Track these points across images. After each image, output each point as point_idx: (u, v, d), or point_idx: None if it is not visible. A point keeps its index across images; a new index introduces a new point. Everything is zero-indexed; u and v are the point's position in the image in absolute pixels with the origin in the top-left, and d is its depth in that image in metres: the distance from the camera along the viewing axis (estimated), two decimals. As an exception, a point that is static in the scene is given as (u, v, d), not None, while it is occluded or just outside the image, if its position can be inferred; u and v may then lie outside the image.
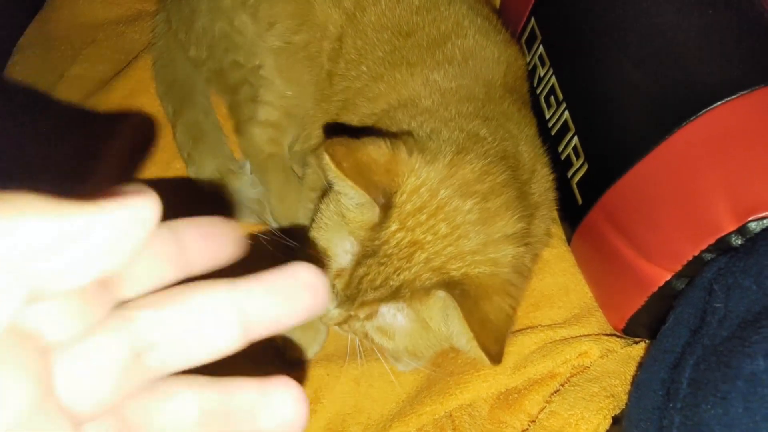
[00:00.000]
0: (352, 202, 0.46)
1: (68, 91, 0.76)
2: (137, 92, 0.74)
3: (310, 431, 0.55)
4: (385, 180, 0.44)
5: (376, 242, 0.44)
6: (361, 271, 0.44)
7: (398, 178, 0.44)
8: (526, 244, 0.46)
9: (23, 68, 0.80)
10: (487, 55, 0.58)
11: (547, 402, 0.50)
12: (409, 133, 0.50)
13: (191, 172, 0.67)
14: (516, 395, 0.52)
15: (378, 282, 0.44)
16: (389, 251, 0.43)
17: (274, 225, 0.65)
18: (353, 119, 0.58)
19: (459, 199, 0.44)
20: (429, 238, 0.43)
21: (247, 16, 0.64)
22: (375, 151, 0.44)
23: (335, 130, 0.58)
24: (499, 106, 0.55)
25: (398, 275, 0.43)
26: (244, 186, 0.67)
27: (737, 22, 0.46)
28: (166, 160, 0.70)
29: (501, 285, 0.43)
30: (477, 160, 0.47)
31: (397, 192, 0.44)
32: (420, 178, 0.44)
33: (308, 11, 0.62)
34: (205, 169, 0.67)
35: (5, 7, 0.82)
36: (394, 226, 0.43)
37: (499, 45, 0.60)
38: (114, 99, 0.74)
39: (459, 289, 0.41)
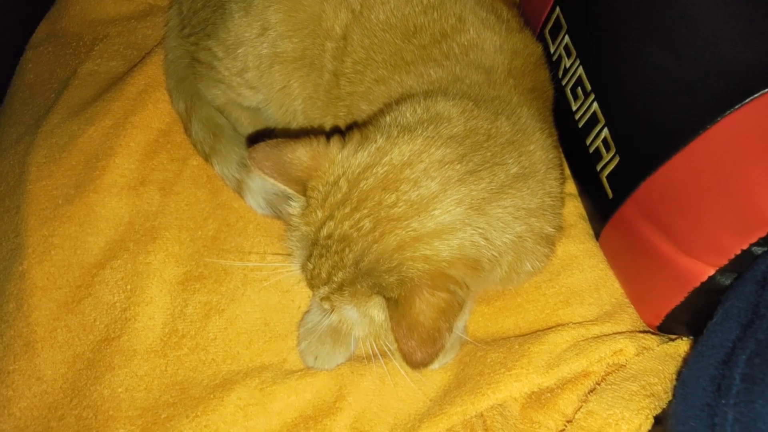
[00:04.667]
0: (293, 201, 0.48)
1: (81, 88, 0.75)
2: (151, 88, 0.73)
3: (335, 429, 0.53)
4: (307, 174, 0.46)
5: (312, 232, 0.45)
6: (310, 264, 0.45)
7: (318, 171, 0.45)
8: (479, 231, 0.42)
9: (36, 65, 0.79)
10: (487, 46, 0.57)
11: (583, 401, 0.48)
12: (369, 125, 0.49)
13: (216, 166, 0.66)
14: (549, 394, 0.51)
15: (324, 276, 0.44)
16: (324, 242, 0.44)
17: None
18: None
19: (382, 191, 0.43)
20: (355, 234, 0.42)
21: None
22: (298, 149, 0.46)
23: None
24: (498, 90, 0.54)
25: (337, 274, 0.43)
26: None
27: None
28: (182, 157, 0.69)
29: (434, 281, 0.40)
30: (418, 140, 0.44)
31: (315, 182, 0.45)
32: (341, 168, 0.45)
33: (309, 14, 0.61)
34: (231, 162, 0.66)
35: (17, 4, 0.81)
36: (319, 213, 0.44)
37: (503, 34, 0.59)
38: (127, 95, 0.72)
39: (388, 294, 0.41)
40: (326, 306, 0.46)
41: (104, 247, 0.63)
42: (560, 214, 0.52)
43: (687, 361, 0.42)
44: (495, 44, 0.57)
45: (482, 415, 0.52)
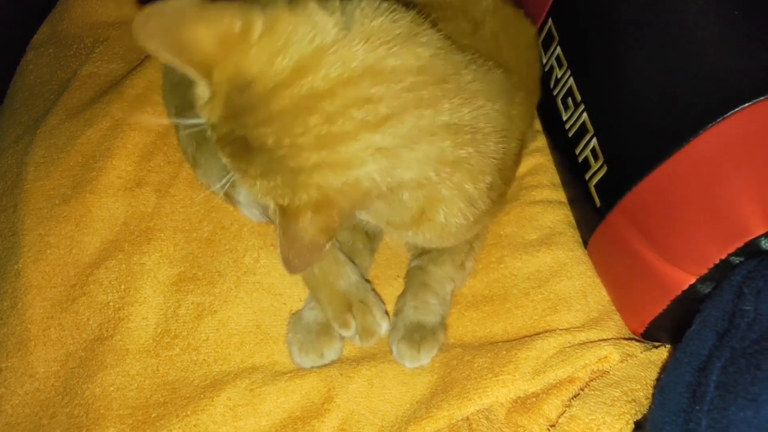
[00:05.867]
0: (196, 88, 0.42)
1: (81, 89, 0.76)
2: (150, 91, 0.74)
3: (323, 430, 0.54)
4: (212, 61, 0.39)
5: (216, 127, 0.41)
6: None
7: (226, 62, 0.39)
8: (379, 169, 0.40)
9: (36, 66, 0.80)
10: (483, 4, 0.59)
11: (567, 406, 0.49)
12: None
13: (199, 175, 0.67)
14: (534, 399, 0.52)
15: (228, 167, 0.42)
16: (228, 141, 0.40)
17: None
18: None
19: (294, 117, 0.38)
20: (256, 144, 0.39)
21: None
22: (200, 29, 0.38)
23: None
24: (480, 44, 0.52)
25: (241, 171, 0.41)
26: None
27: (765, 19, 0.45)
28: (178, 160, 0.70)
29: (320, 207, 0.40)
30: (355, 63, 0.38)
31: (220, 74, 0.39)
32: (255, 69, 0.38)
33: None
34: (212, 176, 0.65)
35: (19, 4, 0.82)
36: (220, 111, 0.40)
37: (498, 2, 0.60)
38: (126, 97, 0.73)
39: (279, 202, 0.41)
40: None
41: (99, 247, 0.64)
42: (491, 180, 0.49)
43: (665, 368, 0.43)
44: (489, 5, 0.58)
45: (468, 419, 0.53)
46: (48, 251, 0.63)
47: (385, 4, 0.42)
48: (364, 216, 0.55)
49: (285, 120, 0.39)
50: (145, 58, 0.79)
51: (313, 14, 0.39)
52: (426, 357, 0.57)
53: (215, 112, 0.41)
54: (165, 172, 0.69)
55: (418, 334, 0.57)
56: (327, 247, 0.41)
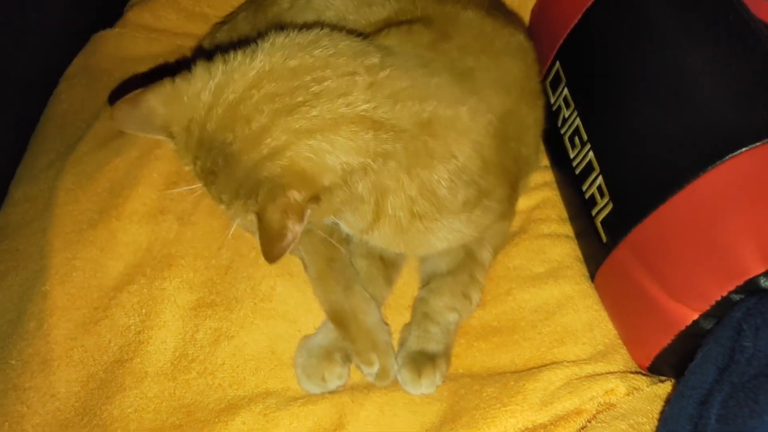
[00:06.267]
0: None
1: (110, 120, 0.80)
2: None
3: (335, 459, 0.55)
4: (167, 122, 0.49)
5: (192, 168, 0.50)
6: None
7: (174, 116, 0.48)
8: (307, 148, 0.45)
9: (69, 96, 0.85)
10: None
11: (574, 438, 0.50)
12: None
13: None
14: (542, 430, 0.52)
15: (217, 198, 0.50)
16: (201, 176, 0.49)
17: None
18: None
19: (223, 132, 0.46)
20: (216, 169, 0.48)
21: None
22: (151, 99, 0.48)
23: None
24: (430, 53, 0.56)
25: (222, 197, 0.49)
26: None
27: (762, 69, 0.48)
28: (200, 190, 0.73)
29: (275, 197, 0.45)
30: (251, 73, 0.47)
31: (175, 127, 0.49)
32: (191, 111, 0.47)
33: None
34: None
35: (55, 38, 0.87)
36: (187, 156, 0.49)
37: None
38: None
39: (253, 210, 0.48)
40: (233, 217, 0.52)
41: (123, 272, 0.66)
42: (443, 176, 0.52)
43: (669, 401, 0.44)
44: (465, 20, 0.60)
45: (477, 448, 0.54)
46: (74, 274, 0.66)
47: (295, 32, 0.50)
48: (341, 224, 0.57)
49: (219, 137, 0.47)
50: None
51: (225, 57, 0.49)
52: (428, 383, 0.58)
53: (185, 159, 0.49)
54: (187, 201, 0.72)
55: (419, 361, 0.59)
56: (297, 229, 0.45)
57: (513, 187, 0.63)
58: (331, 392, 0.59)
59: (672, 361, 0.52)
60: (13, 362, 0.61)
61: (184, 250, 0.68)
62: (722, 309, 0.45)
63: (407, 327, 0.63)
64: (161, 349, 0.62)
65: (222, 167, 0.47)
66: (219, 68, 0.48)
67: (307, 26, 0.52)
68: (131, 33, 0.91)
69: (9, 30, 0.75)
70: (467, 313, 0.64)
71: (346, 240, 0.65)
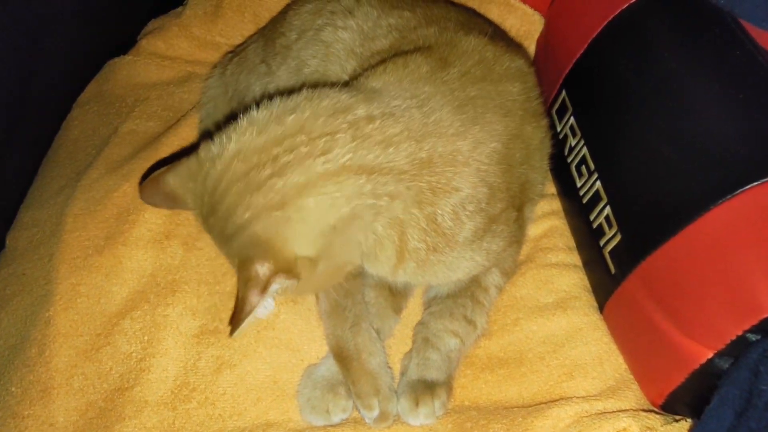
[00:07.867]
0: None
1: (120, 145, 0.81)
2: (183, 149, 0.79)
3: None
4: (185, 197, 0.53)
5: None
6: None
7: (190, 192, 0.52)
8: (280, 221, 0.47)
9: (80, 122, 0.86)
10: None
11: (584, 480, 0.48)
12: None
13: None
14: (551, 470, 0.51)
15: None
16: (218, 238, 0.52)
17: None
18: None
19: (216, 206, 0.49)
20: (219, 239, 0.51)
21: None
22: (170, 179, 0.53)
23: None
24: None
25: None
26: None
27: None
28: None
29: (243, 272, 0.47)
30: (227, 155, 0.49)
31: (192, 199, 0.52)
32: (201, 187, 0.51)
33: None
34: None
35: (68, 65, 0.89)
36: (202, 222, 0.52)
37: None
38: (161, 154, 0.78)
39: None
40: None
41: (126, 297, 0.66)
42: (447, 210, 0.52)
43: (685, 445, 0.42)
44: (467, 47, 0.60)
45: (483, 489, 0.52)
46: (78, 300, 0.66)
47: (277, 100, 0.51)
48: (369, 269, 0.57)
49: (212, 216, 0.50)
50: (180, 118, 0.84)
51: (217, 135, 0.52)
52: (426, 412, 0.56)
53: (203, 227, 0.53)
54: (192, 226, 0.72)
55: (418, 390, 0.57)
56: (255, 300, 0.46)
57: (521, 209, 0.62)
58: (334, 425, 0.58)
59: (686, 400, 0.50)
60: (14, 389, 0.61)
61: (188, 276, 0.67)
62: (738, 348, 0.43)
63: (408, 355, 0.61)
64: (162, 378, 0.61)
65: (219, 242, 0.52)
66: (211, 150, 0.51)
67: (292, 90, 0.53)
68: (144, 60, 0.92)
69: (24, 56, 0.77)
70: (470, 339, 0.62)
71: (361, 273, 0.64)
